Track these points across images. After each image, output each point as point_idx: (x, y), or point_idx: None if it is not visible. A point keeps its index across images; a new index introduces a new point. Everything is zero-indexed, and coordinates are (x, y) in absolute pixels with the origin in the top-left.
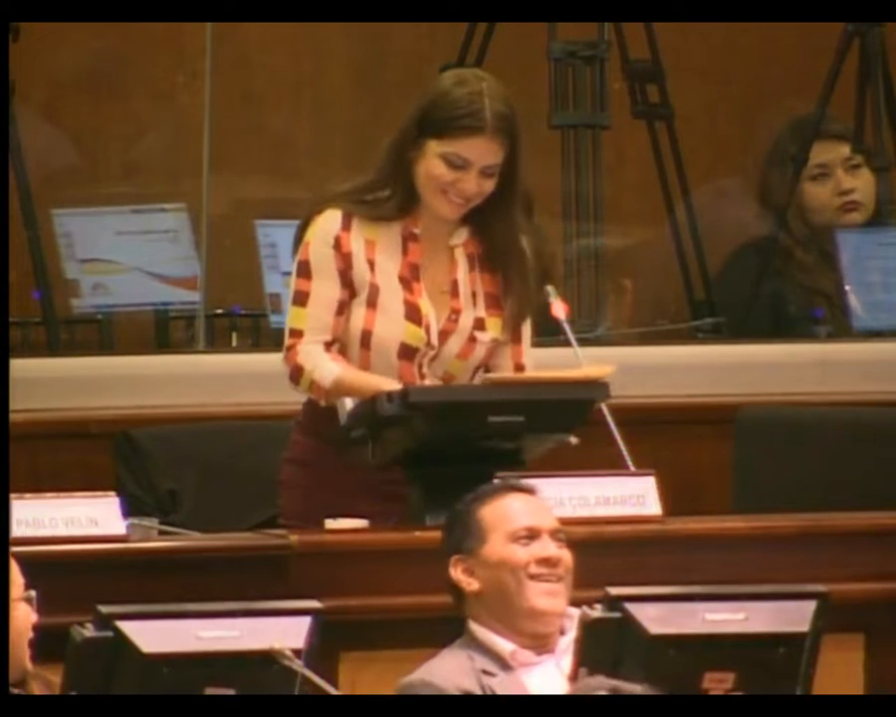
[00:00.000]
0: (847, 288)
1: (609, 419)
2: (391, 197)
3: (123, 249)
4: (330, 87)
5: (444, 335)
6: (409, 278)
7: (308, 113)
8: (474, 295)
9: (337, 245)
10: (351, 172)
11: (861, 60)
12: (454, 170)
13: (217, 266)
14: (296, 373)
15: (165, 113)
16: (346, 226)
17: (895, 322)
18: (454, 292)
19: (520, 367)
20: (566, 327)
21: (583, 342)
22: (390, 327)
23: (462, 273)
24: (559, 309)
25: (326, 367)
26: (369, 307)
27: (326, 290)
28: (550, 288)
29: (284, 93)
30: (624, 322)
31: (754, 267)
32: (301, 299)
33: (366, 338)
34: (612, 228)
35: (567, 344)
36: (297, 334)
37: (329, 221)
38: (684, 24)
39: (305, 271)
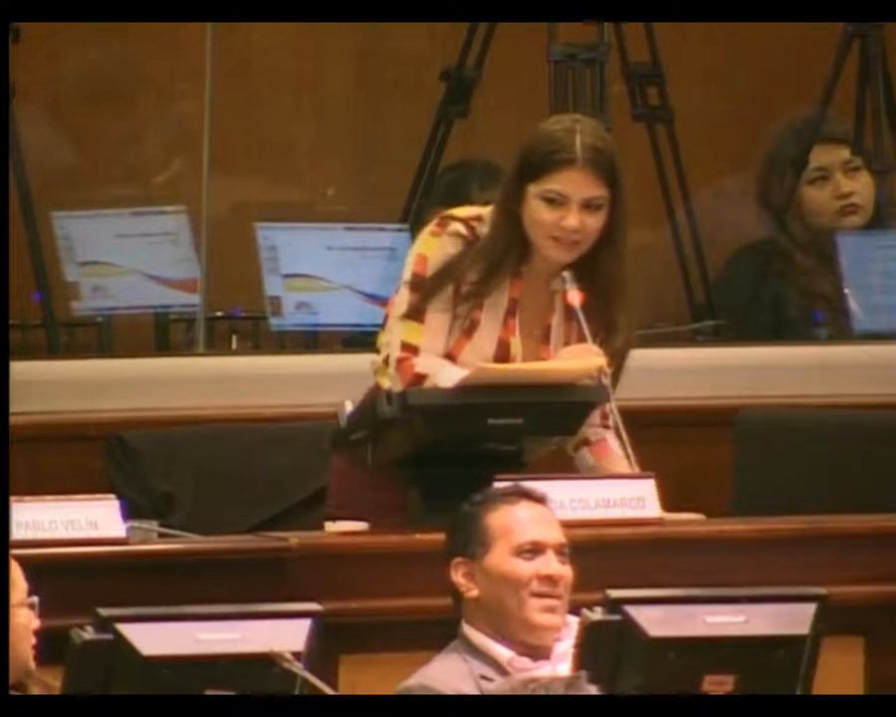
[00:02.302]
0: (847, 290)
1: (619, 421)
2: (508, 261)
3: (123, 251)
4: (329, 89)
5: None
6: (507, 313)
7: (308, 115)
8: (565, 346)
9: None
10: (351, 175)
11: (861, 62)
12: (554, 208)
13: (217, 268)
14: (416, 381)
15: (165, 115)
16: (467, 252)
17: (894, 324)
18: (545, 337)
19: (604, 416)
20: (580, 314)
21: None
22: (476, 361)
23: (557, 320)
24: (574, 296)
25: (450, 369)
26: (463, 335)
27: (442, 308)
28: (566, 274)
29: (284, 95)
30: None
31: (754, 270)
32: (416, 314)
33: (451, 359)
34: None
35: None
36: (412, 349)
37: (451, 242)
38: (684, 26)
39: (421, 287)
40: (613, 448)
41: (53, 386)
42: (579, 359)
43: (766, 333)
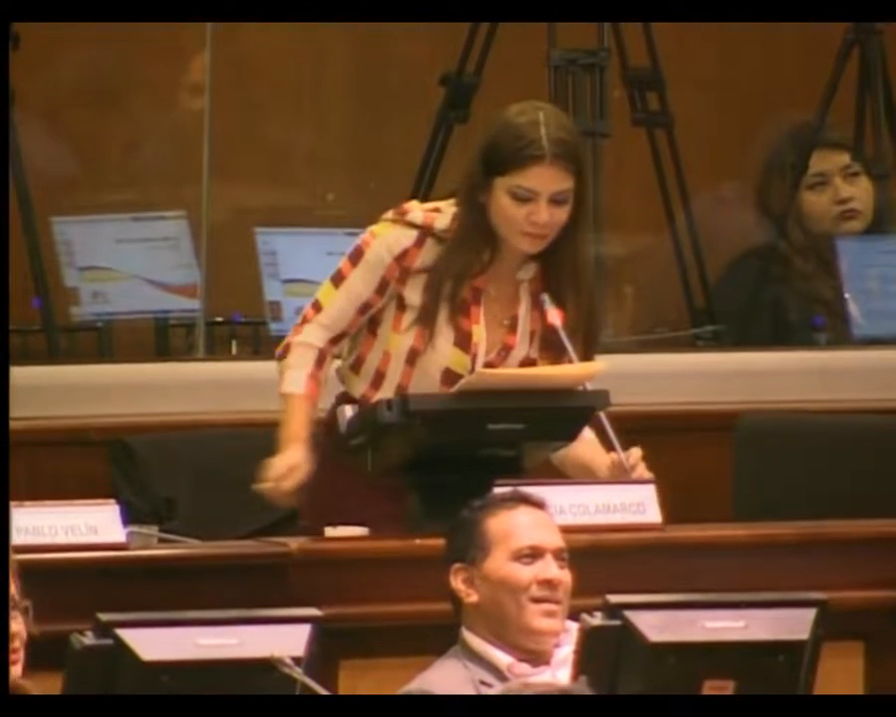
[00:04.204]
0: (847, 295)
1: (608, 427)
2: (475, 254)
3: (123, 257)
4: (329, 94)
5: (490, 367)
6: (469, 301)
7: (308, 120)
8: (532, 334)
9: (402, 257)
10: (351, 180)
11: (861, 67)
12: (523, 204)
13: (217, 274)
14: (284, 351)
15: (165, 120)
16: (421, 242)
17: (894, 329)
18: (513, 327)
19: None
20: (562, 334)
21: None
22: (439, 350)
23: (524, 309)
24: (554, 316)
25: (296, 377)
26: (420, 326)
27: (360, 284)
28: (545, 296)
29: (284, 100)
30: (624, 329)
31: (754, 275)
32: (337, 278)
33: (413, 356)
34: (612, 236)
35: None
36: (318, 307)
37: (404, 231)
38: (684, 32)
39: (356, 257)
40: (583, 434)
41: (53, 392)
42: (580, 365)
43: (765, 338)
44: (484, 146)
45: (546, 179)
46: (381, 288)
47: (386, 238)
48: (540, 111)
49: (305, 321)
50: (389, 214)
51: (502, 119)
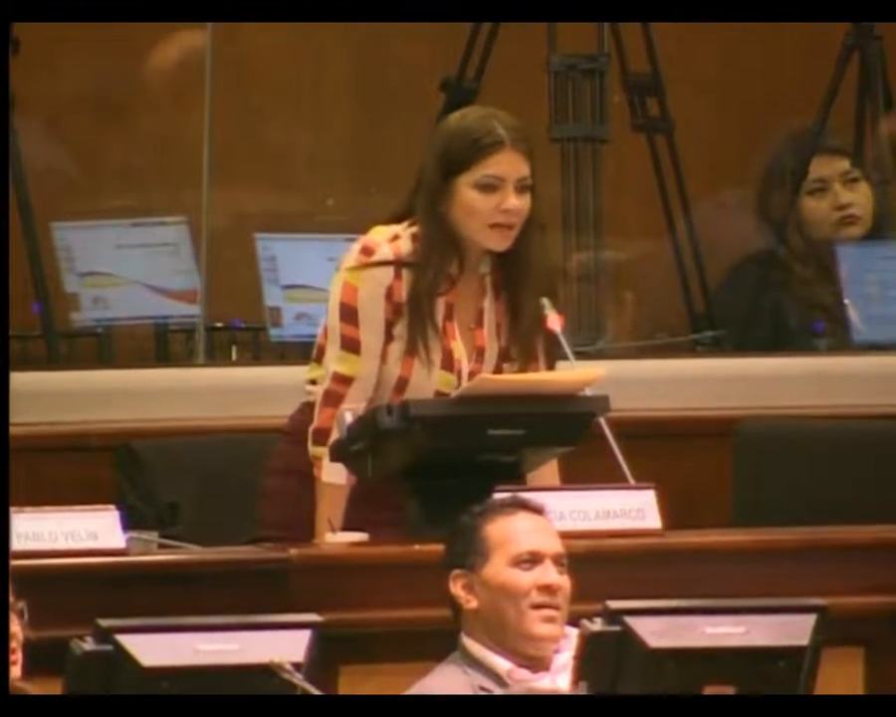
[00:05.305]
0: (846, 301)
1: (608, 433)
2: (439, 271)
3: (123, 262)
4: (329, 99)
5: (472, 377)
6: (444, 319)
7: (308, 125)
8: (498, 325)
9: (389, 295)
10: (351, 185)
11: (861, 73)
12: (491, 194)
13: (217, 279)
14: (321, 436)
15: (165, 125)
16: (398, 274)
17: (894, 335)
18: (479, 322)
19: None
20: (562, 339)
21: (584, 355)
22: (427, 376)
23: (489, 301)
24: (554, 321)
25: (338, 467)
26: (408, 354)
27: (374, 339)
28: (544, 300)
29: (284, 105)
30: (624, 335)
31: (753, 280)
32: (351, 345)
33: (402, 384)
34: (612, 241)
35: (564, 356)
36: (345, 381)
37: (382, 270)
38: (684, 37)
39: (352, 318)
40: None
41: (53, 397)
42: (580, 369)
43: (765, 343)
44: (437, 154)
45: (510, 164)
46: (388, 331)
47: (369, 285)
48: (484, 108)
49: (337, 400)
50: (354, 260)
51: (446, 126)
